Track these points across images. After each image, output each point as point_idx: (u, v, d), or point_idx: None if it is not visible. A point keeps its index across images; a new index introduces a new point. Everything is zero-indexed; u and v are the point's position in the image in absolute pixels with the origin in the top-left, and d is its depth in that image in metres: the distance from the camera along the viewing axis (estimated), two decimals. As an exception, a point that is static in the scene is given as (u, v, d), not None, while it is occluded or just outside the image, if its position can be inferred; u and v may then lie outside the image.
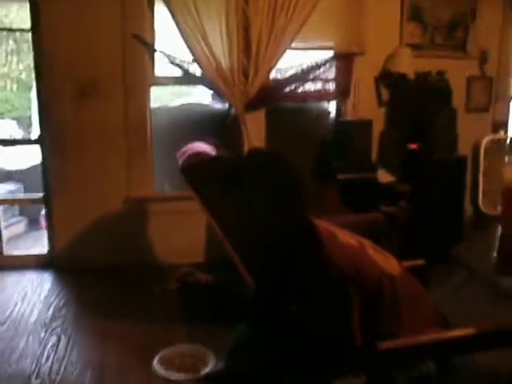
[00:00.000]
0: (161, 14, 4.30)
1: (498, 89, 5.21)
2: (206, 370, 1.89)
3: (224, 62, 4.35)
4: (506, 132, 5.10)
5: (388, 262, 1.98)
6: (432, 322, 1.94)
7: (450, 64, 4.87)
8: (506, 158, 4.68)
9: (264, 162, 1.84)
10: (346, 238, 1.95)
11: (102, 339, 3.36)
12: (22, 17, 5.77)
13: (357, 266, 1.82)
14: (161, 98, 4.71)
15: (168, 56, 4.39)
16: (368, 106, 4.89)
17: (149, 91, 4.48)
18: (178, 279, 2.07)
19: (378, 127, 4.88)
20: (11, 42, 7.70)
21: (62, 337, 3.38)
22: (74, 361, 3.09)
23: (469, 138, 4.61)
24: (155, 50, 4.39)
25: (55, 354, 3.17)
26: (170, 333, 3.41)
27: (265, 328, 2.07)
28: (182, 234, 4.50)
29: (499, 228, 2.92)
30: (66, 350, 3.21)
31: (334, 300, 1.77)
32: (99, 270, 4.32)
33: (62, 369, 3.00)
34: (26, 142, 5.21)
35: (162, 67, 4.47)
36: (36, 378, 2.92)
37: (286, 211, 1.81)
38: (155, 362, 1.94)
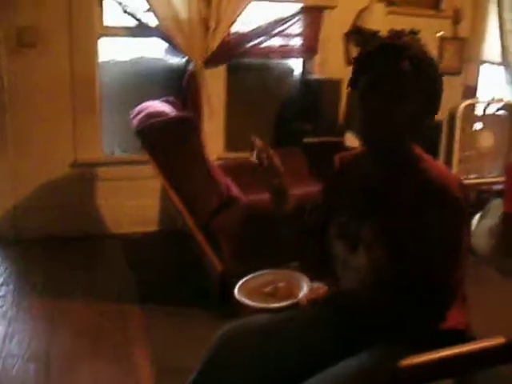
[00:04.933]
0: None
1: (471, 51, 4.94)
2: (304, 293, 1.55)
3: (183, 12, 3.92)
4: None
5: None
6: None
7: (423, 23, 4.52)
8: (482, 124, 4.46)
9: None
10: None
11: (47, 324, 2.97)
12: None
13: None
14: (110, 50, 4.23)
15: (119, 3, 3.91)
16: (336, 65, 4.55)
17: (97, 43, 4.01)
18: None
19: (346, 87, 4.54)
20: None
21: (1, 322, 2.96)
22: (14, 353, 2.68)
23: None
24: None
25: (-8, 344, 2.77)
26: (124, 314, 3.12)
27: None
28: (134, 201, 4.13)
29: (492, 206, 2.67)
30: (4, 340, 2.79)
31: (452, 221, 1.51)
32: (44, 241, 3.90)
33: (0, 363, 2.60)
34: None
35: (112, 16, 4.01)
36: (-31, 375, 2.51)
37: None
38: (236, 293, 1.57)
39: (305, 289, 1.59)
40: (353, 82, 1.59)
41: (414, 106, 1.52)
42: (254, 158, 1.67)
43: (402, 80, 1.51)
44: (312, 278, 1.72)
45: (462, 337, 1.59)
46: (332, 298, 1.67)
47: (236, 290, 1.61)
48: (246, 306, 1.60)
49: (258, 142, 1.69)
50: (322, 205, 1.83)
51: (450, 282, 1.54)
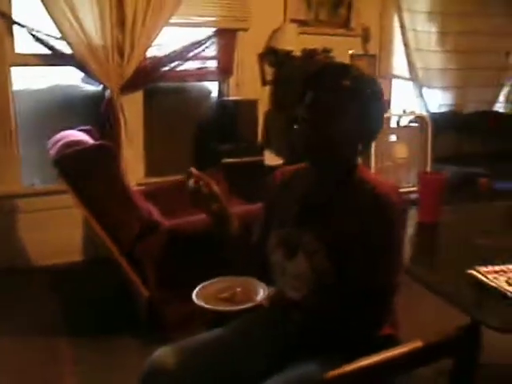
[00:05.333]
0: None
1: (381, 67, 5.14)
2: (261, 297, 1.57)
3: (96, 39, 3.91)
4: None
5: None
6: None
7: (334, 41, 4.76)
8: (395, 136, 4.65)
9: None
10: None
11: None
12: None
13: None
14: (25, 79, 4.17)
15: (30, 30, 3.85)
16: (252, 86, 4.67)
17: (10, 72, 3.93)
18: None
19: (262, 107, 4.65)
20: None
21: None
22: None
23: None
24: (13, 22, 3.84)
25: None
26: (52, 347, 3.06)
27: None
28: (56, 231, 4.05)
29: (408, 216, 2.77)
30: None
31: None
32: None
33: None
34: None
35: (26, 45, 3.94)
36: None
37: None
38: (195, 300, 1.57)
39: (262, 292, 1.62)
40: (299, 99, 1.68)
41: (353, 120, 1.63)
42: (191, 185, 1.71)
43: (342, 95, 1.62)
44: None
45: (391, 342, 1.67)
46: (278, 302, 1.73)
47: (194, 298, 1.63)
48: (209, 312, 1.61)
49: (194, 170, 1.73)
50: (263, 221, 1.89)
51: (391, 288, 1.62)
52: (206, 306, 1.59)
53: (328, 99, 1.63)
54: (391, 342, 1.68)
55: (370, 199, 1.62)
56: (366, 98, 1.66)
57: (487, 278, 1.80)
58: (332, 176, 1.72)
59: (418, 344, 1.57)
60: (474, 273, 1.85)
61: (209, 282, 1.70)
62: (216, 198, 1.75)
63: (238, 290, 1.62)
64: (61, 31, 3.82)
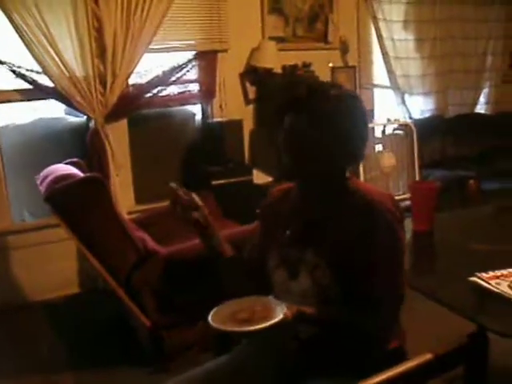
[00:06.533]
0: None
1: (362, 78, 5.18)
2: (280, 317, 1.48)
3: (78, 70, 3.90)
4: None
5: None
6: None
7: (313, 55, 4.79)
8: (382, 145, 4.67)
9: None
10: None
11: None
12: None
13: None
14: (9, 114, 4.15)
15: (10, 66, 3.83)
16: (236, 106, 4.68)
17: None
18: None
19: (247, 126, 4.66)
20: None
21: None
22: None
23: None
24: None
25: None
26: (56, 382, 3.03)
27: None
28: (51, 265, 3.99)
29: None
30: None
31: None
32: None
33: None
34: None
35: (8, 80, 3.90)
36: None
37: None
38: (211, 321, 1.48)
39: (279, 307, 1.56)
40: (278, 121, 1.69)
41: (330, 141, 1.61)
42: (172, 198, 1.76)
43: (319, 119, 1.61)
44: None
45: (399, 355, 1.66)
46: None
47: (210, 321, 1.54)
48: (231, 334, 1.56)
49: (173, 185, 1.79)
50: (258, 242, 1.87)
51: (396, 298, 1.62)
52: (235, 329, 1.52)
53: (302, 123, 1.62)
54: (399, 354, 1.68)
55: (365, 208, 1.61)
56: (346, 119, 1.64)
57: (490, 284, 1.81)
58: (322, 193, 1.70)
59: (428, 356, 1.57)
60: (477, 280, 1.85)
61: (222, 305, 1.64)
62: (196, 206, 1.75)
63: (258, 308, 1.57)
64: (41, 65, 3.80)
